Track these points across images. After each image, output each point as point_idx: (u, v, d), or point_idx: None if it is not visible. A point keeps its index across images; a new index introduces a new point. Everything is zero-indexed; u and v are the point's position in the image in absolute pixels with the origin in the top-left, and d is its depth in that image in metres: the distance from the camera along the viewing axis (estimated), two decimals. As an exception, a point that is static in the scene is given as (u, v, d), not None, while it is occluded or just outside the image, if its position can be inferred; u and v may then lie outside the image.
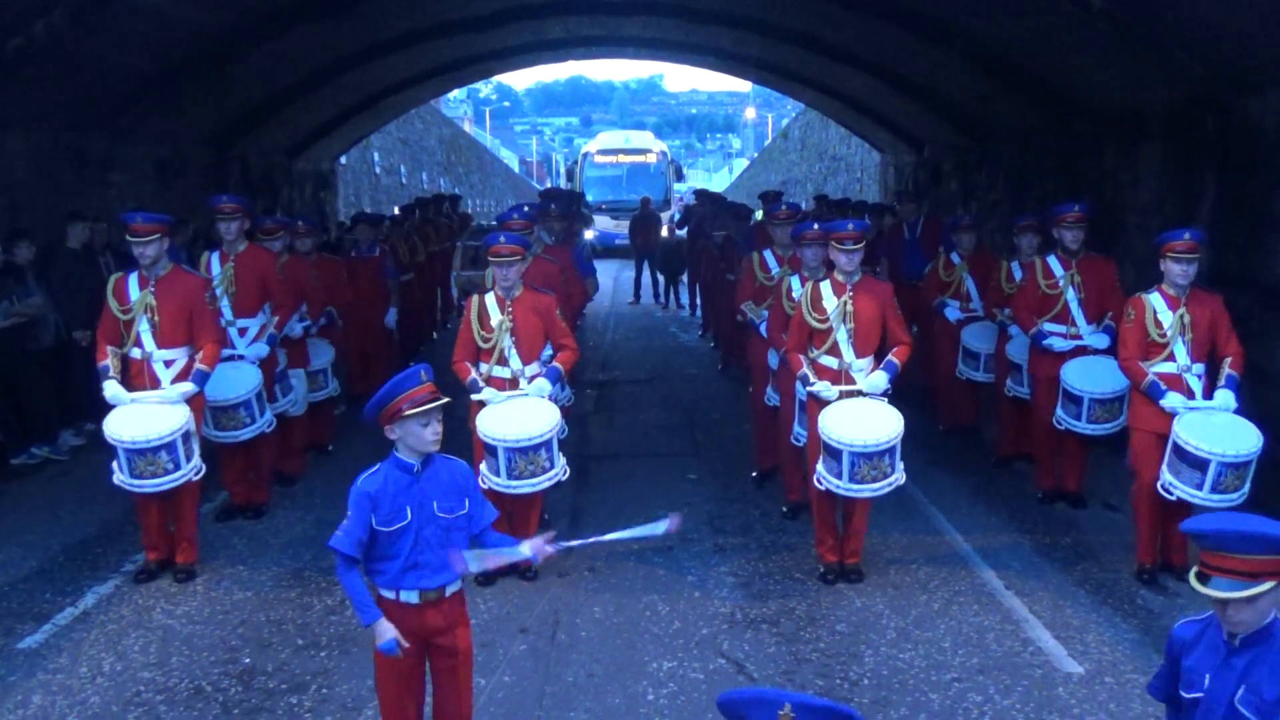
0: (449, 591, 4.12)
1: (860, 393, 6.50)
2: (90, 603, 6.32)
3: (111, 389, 6.50)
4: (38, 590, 6.51)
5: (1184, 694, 3.09)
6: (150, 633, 5.92)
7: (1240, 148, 8.06)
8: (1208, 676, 3.01)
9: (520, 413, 6.34)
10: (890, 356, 6.58)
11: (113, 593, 6.48)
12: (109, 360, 6.60)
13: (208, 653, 5.68)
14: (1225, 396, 6.27)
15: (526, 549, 4.14)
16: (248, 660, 5.61)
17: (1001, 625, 6.00)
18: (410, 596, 4.06)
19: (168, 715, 5.06)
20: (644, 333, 17.35)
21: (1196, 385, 6.39)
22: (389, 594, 4.07)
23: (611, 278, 23.14)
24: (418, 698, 4.22)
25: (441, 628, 4.12)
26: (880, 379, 6.49)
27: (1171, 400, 6.29)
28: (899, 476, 6.35)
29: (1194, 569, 2.95)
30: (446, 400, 4.09)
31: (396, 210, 18.87)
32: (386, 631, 3.99)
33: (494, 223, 9.22)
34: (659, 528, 4.21)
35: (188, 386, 6.62)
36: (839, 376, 6.58)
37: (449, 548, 4.06)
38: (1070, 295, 7.72)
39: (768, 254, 8.57)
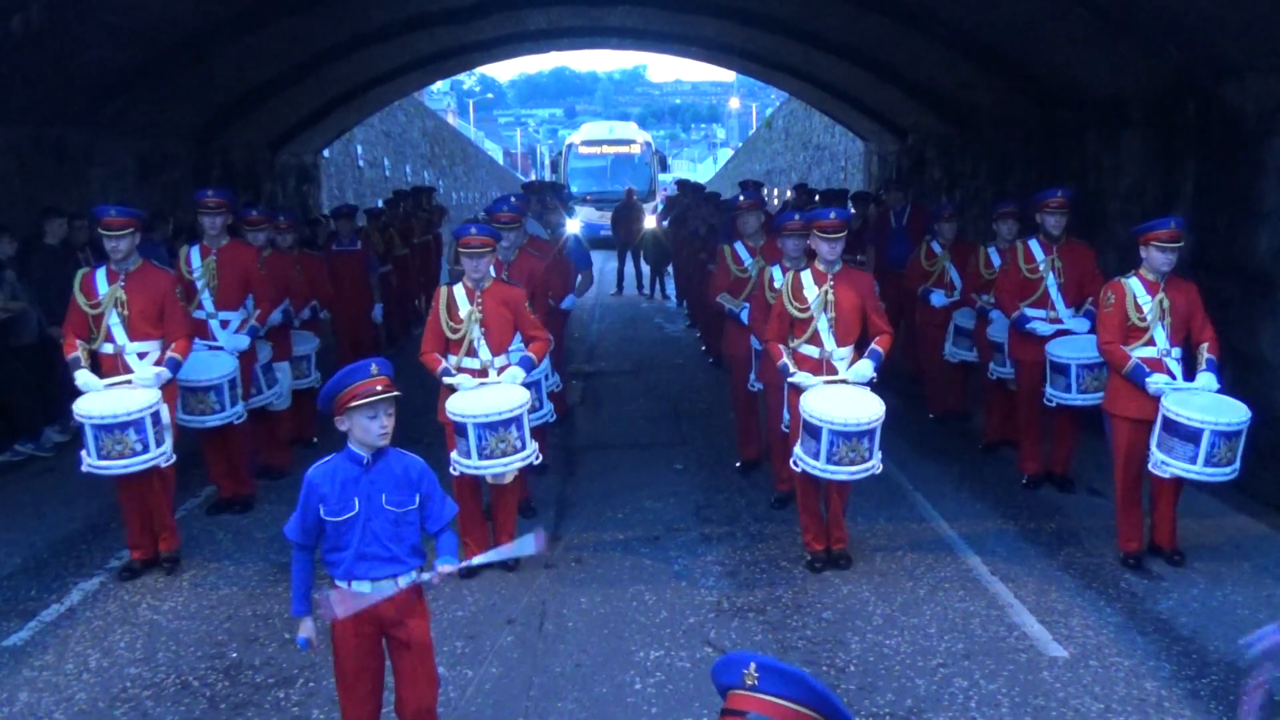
0: (401, 582, 4.12)
1: (844, 380, 6.51)
2: (76, 599, 6.30)
3: (84, 377, 6.43)
4: (23, 587, 6.48)
5: None
6: (136, 628, 5.90)
7: (1221, 134, 8.10)
8: None
9: (490, 392, 6.35)
10: (873, 345, 6.59)
11: (98, 589, 6.46)
12: (78, 352, 6.54)
13: (194, 648, 5.67)
14: (1207, 379, 6.32)
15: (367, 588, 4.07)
16: (234, 654, 5.60)
17: (987, 610, 6.03)
18: (362, 586, 4.08)
19: (155, 711, 5.05)
20: (629, 324, 17.36)
21: (1176, 369, 6.43)
22: (342, 583, 4.10)
23: (597, 269, 23.09)
24: (374, 688, 4.23)
25: (394, 619, 4.14)
26: (866, 367, 6.51)
27: (1157, 381, 6.33)
28: (876, 464, 6.33)
29: None
30: (395, 394, 4.06)
31: (381, 203, 18.79)
32: (306, 629, 4.18)
33: (482, 214, 9.24)
34: (528, 545, 4.24)
35: (162, 370, 6.58)
36: (820, 366, 6.59)
37: (399, 541, 4.10)
38: (1050, 280, 7.77)
39: (739, 246, 8.54)
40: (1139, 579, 6.42)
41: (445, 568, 4.14)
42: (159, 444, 6.37)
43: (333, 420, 4.13)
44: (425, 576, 4.17)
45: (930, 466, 8.68)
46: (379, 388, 4.01)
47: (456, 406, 6.22)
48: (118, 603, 6.25)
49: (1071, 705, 5.00)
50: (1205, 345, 6.43)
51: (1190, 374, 6.41)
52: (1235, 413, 6.12)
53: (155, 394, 6.42)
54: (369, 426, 4.03)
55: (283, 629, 5.88)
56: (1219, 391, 6.30)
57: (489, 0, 13.79)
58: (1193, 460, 6.10)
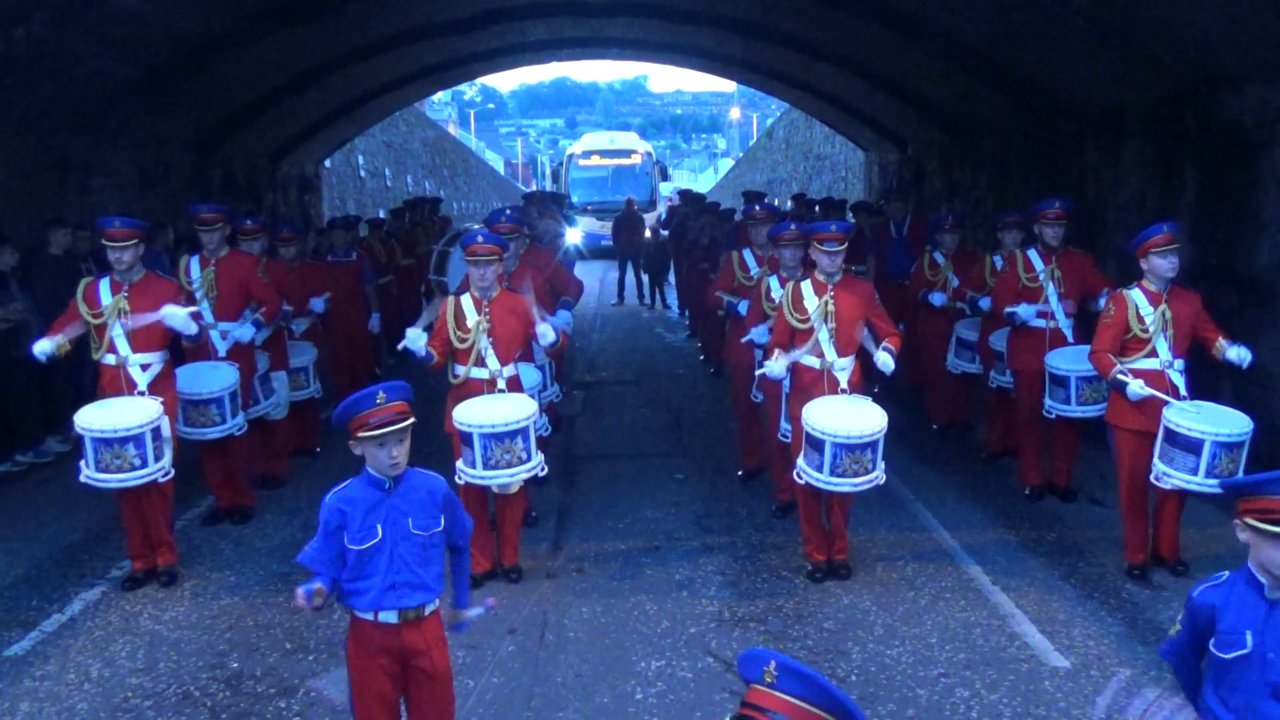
0: (428, 611, 4.02)
1: (841, 390, 6.52)
2: (77, 609, 6.31)
3: (41, 345, 6.51)
4: (24, 597, 6.49)
5: (1221, 654, 3.25)
6: (138, 638, 5.91)
7: (1220, 143, 8.12)
8: (1249, 634, 3.19)
9: (497, 402, 6.36)
10: (885, 343, 6.60)
11: (99, 599, 6.47)
12: (58, 336, 6.56)
13: (195, 658, 5.67)
14: (1239, 351, 6.27)
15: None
16: (236, 665, 5.60)
17: (988, 620, 6.03)
18: (389, 616, 3.94)
19: (156, 721, 5.05)
20: (630, 333, 17.36)
21: (1179, 380, 6.39)
22: (367, 615, 3.95)
23: (598, 279, 23.16)
24: (393, 717, 4.10)
25: (420, 649, 4.01)
26: (888, 358, 6.49)
27: (1135, 387, 6.27)
28: (879, 475, 6.33)
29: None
30: (405, 424, 3.93)
31: (381, 214, 18.82)
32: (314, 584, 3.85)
33: (472, 226, 9.22)
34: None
35: (187, 317, 6.65)
36: (821, 376, 6.60)
37: (427, 565, 3.99)
38: (1050, 290, 7.80)
39: (747, 253, 8.59)
40: (1140, 589, 6.42)
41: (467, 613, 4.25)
42: (158, 459, 6.36)
43: (335, 431, 4.10)
44: (462, 624, 4.24)
45: (931, 476, 8.68)
46: (386, 417, 3.88)
47: (463, 416, 6.23)
48: (119, 613, 6.25)
49: (1073, 715, 5.00)
50: (1220, 336, 6.39)
51: (1194, 388, 6.39)
52: (1237, 424, 6.08)
53: (156, 409, 6.41)
54: (378, 455, 3.91)
55: (284, 639, 5.89)
56: (1247, 366, 6.24)
57: (490, 11, 13.84)
58: (1194, 471, 6.06)
